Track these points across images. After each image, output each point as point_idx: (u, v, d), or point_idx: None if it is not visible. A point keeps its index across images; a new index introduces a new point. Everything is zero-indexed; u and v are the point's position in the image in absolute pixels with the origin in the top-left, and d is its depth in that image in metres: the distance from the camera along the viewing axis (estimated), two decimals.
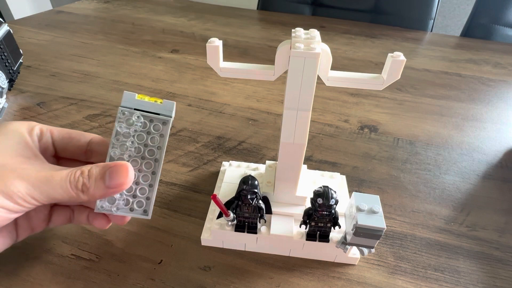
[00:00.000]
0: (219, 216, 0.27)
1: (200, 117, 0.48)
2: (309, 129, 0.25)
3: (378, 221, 0.23)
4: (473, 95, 0.57)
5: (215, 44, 0.23)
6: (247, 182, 0.26)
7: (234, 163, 0.35)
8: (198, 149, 0.41)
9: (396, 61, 0.23)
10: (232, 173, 0.34)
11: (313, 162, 0.40)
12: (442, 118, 0.50)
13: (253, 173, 0.33)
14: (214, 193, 0.27)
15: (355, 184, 0.37)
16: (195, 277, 0.27)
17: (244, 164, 0.35)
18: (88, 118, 0.46)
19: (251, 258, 0.29)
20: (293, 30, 0.24)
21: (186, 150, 0.41)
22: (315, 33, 0.23)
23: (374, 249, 0.25)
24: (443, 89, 0.58)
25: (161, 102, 0.24)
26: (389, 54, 0.23)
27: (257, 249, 0.29)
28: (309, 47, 0.22)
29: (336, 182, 0.34)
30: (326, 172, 0.35)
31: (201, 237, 0.29)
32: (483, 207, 0.35)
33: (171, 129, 0.45)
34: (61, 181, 0.22)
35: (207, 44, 0.24)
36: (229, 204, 0.27)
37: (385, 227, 0.23)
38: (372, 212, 0.24)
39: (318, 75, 0.23)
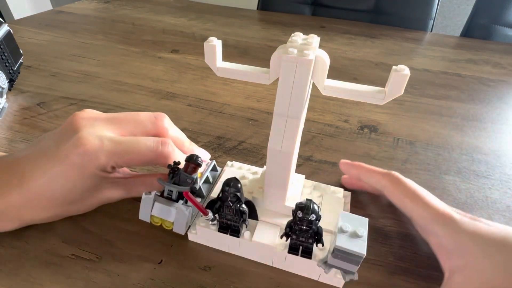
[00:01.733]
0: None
1: (200, 117, 0.48)
2: (300, 137, 0.25)
3: (359, 246, 0.22)
4: (473, 95, 0.57)
5: (213, 43, 0.23)
6: (229, 184, 0.25)
7: (237, 164, 0.35)
8: None
9: (398, 75, 0.21)
10: (231, 173, 0.33)
11: (313, 162, 0.40)
12: (442, 118, 0.50)
13: (251, 177, 0.33)
14: (186, 190, 0.27)
15: None
16: (195, 277, 0.27)
17: (245, 167, 0.34)
18: None
19: (241, 256, 0.29)
20: (292, 34, 0.23)
21: None
22: (313, 39, 0.22)
23: (356, 276, 0.23)
24: (443, 89, 0.58)
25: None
26: (393, 67, 0.21)
27: (240, 253, 0.29)
28: (303, 53, 0.21)
29: (337, 198, 0.31)
30: (330, 186, 0.33)
31: (188, 232, 0.29)
32: (483, 207, 0.35)
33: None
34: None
35: (205, 43, 0.23)
36: (212, 204, 0.27)
37: (365, 254, 0.21)
38: (355, 235, 0.22)
39: (314, 83, 0.23)
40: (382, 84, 0.23)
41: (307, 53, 0.21)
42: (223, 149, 0.41)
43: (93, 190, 0.28)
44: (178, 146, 0.31)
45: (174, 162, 0.28)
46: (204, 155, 0.34)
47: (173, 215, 0.27)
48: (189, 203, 0.27)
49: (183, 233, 0.27)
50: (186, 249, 0.29)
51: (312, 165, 0.39)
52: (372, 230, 0.32)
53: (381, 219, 0.33)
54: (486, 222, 0.25)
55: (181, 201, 0.26)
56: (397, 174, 0.30)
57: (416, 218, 0.27)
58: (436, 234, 0.25)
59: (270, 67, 0.23)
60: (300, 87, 0.22)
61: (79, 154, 0.26)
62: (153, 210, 0.27)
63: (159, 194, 0.27)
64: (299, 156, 0.41)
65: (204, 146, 0.42)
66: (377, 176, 0.30)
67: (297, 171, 0.38)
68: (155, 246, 0.29)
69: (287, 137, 0.24)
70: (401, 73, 0.21)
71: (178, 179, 0.27)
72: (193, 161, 0.26)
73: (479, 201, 0.36)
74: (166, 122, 0.31)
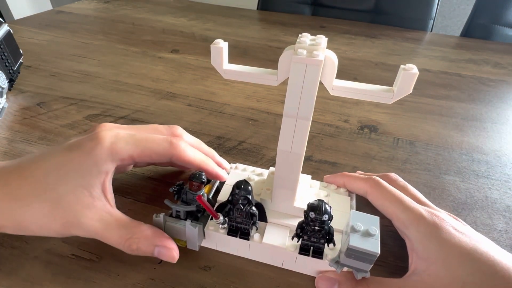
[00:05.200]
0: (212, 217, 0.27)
1: (200, 117, 0.48)
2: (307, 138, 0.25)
3: (373, 245, 0.22)
4: (473, 95, 0.57)
5: (219, 45, 0.23)
6: (240, 187, 0.25)
7: (240, 166, 0.35)
8: None
9: (408, 74, 0.21)
10: (236, 176, 0.33)
11: (313, 162, 0.40)
12: (442, 118, 0.50)
13: (256, 179, 0.32)
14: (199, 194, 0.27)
15: None
16: (195, 277, 0.27)
17: (250, 168, 0.34)
18: (88, 118, 0.46)
19: (251, 259, 0.29)
20: (299, 35, 0.23)
21: None
22: (321, 39, 0.22)
23: (369, 274, 0.24)
24: (443, 89, 0.58)
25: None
26: (401, 66, 0.21)
27: (249, 256, 0.29)
28: (312, 54, 0.21)
29: (342, 198, 0.32)
30: (333, 185, 0.33)
31: None
32: (483, 207, 0.35)
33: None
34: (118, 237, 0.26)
35: (211, 45, 0.23)
36: (222, 207, 0.27)
37: (379, 252, 0.21)
38: (368, 234, 0.22)
39: (322, 84, 0.23)
40: (382, 84, 0.23)
41: (317, 53, 0.21)
42: (223, 149, 0.41)
43: (96, 201, 0.25)
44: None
45: (178, 183, 0.28)
46: (224, 164, 0.34)
47: (184, 234, 0.27)
48: (203, 213, 0.28)
49: (197, 249, 0.28)
50: (186, 249, 0.29)
51: (312, 165, 0.39)
52: None
53: (381, 219, 0.33)
54: (462, 231, 0.25)
55: (189, 220, 0.27)
56: (377, 178, 0.30)
57: (395, 221, 0.28)
58: (409, 237, 0.26)
59: (278, 68, 0.23)
60: (310, 87, 0.22)
61: (94, 143, 0.25)
62: (165, 230, 0.27)
63: (168, 214, 0.28)
64: None
65: None
66: (359, 182, 0.31)
67: None
68: None
69: (297, 138, 0.24)
70: (410, 72, 0.21)
71: (186, 198, 0.28)
72: (196, 179, 0.27)
73: (479, 201, 0.36)
74: (180, 130, 0.32)
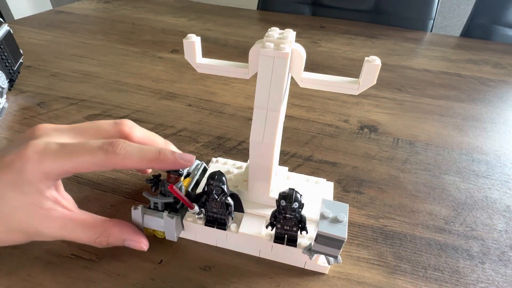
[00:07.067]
0: None
1: (200, 117, 0.48)
2: (281, 129, 0.25)
3: (340, 230, 0.23)
4: (473, 95, 0.57)
5: (192, 40, 0.24)
6: (214, 177, 0.25)
7: (221, 159, 0.35)
8: (198, 149, 0.41)
9: (371, 65, 0.22)
10: (216, 169, 0.33)
11: (313, 162, 0.40)
12: (442, 118, 0.50)
13: (236, 171, 0.33)
14: (171, 183, 0.27)
15: (355, 184, 0.37)
16: (195, 277, 0.27)
17: (230, 162, 0.35)
18: (88, 118, 0.46)
19: (251, 258, 0.29)
20: (269, 29, 0.24)
21: (186, 150, 0.41)
22: (289, 33, 0.23)
23: (340, 260, 0.25)
24: (443, 89, 0.58)
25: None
26: (366, 58, 0.22)
27: (227, 246, 0.29)
28: (279, 47, 0.22)
29: (320, 188, 0.32)
30: (314, 177, 0.33)
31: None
32: (483, 207, 0.35)
33: (171, 129, 0.45)
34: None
35: (184, 40, 0.24)
36: (198, 198, 0.27)
37: (346, 237, 0.23)
38: (336, 220, 0.23)
39: (292, 77, 0.23)
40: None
41: (283, 46, 0.22)
42: (223, 149, 0.41)
43: (35, 213, 0.24)
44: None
45: (154, 175, 0.29)
46: (185, 158, 0.27)
47: (162, 225, 0.28)
48: (179, 206, 0.28)
49: (175, 240, 0.28)
50: (186, 249, 0.29)
51: (312, 165, 0.39)
52: (372, 230, 0.32)
53: (381, 219, 0.33)
54: None
55: (166, 212, 0.27)
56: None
57: None
58: None
59: (249, 62, 0.24)
60: (278, 80, 0.23)
61: (21, 163, 0.23)
62: (144, 222, 0.28)
63: (146, 206, 0.28)
64: (299, 156, 0.41)
65: (204, 146, 0.42)
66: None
67: (297, 171, 0.38)
68: (155, 246, 0.29)
69: (268, 129, 0.25)
70: (373, 63, 0.22)
71: (164, 190, 0.28)
72: (173, 172, 0.27)
73: (479, 201, 0.36)
74: (128, 125, 0.28)
